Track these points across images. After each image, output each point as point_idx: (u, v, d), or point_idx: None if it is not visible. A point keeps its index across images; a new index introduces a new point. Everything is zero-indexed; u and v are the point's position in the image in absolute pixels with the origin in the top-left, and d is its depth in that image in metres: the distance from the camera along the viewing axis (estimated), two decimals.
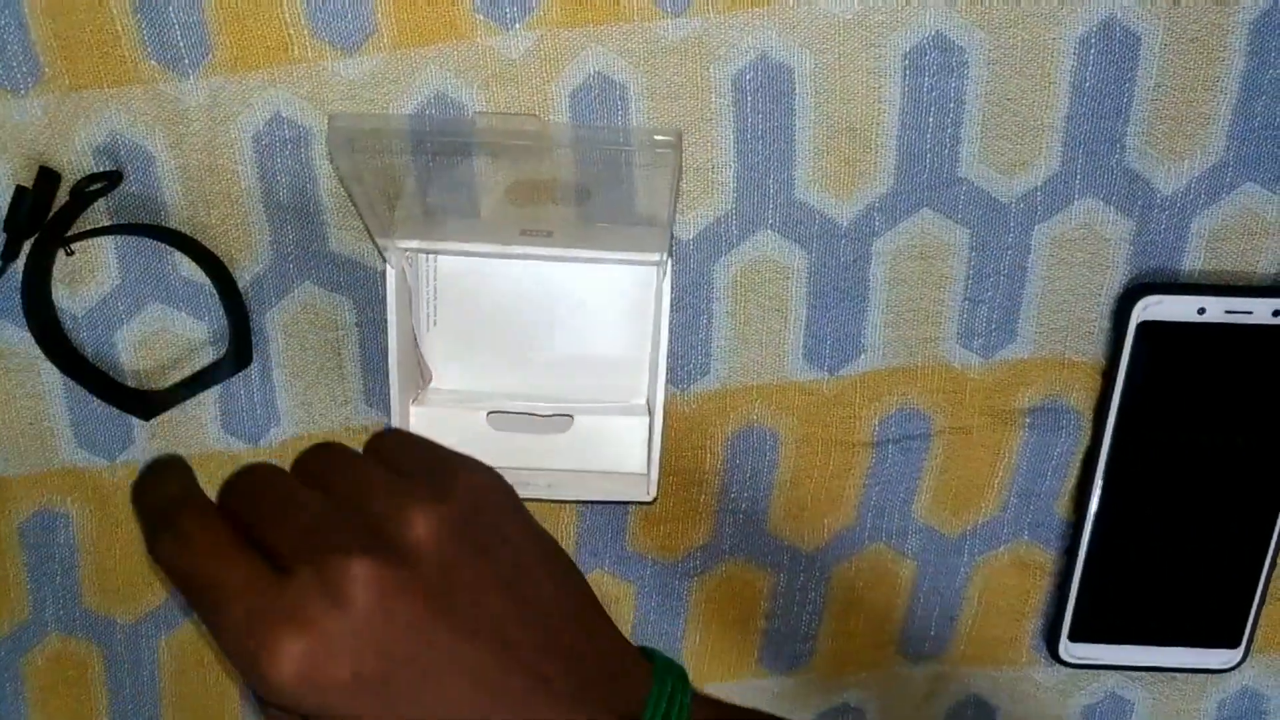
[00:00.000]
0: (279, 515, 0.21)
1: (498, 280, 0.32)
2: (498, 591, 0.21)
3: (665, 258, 0.30)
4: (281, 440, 0.35)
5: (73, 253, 0.32)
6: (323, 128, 0.31)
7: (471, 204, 0.32)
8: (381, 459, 0.23)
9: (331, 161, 0.27)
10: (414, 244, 0.31)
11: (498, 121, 0.30)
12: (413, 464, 0.22)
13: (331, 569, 0.19)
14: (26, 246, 0.31)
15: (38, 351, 0.33)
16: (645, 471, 0.32)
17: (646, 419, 0.32)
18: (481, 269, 0.32)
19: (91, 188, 0.31)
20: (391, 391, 0.31)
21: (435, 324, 0.33)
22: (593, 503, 0.35)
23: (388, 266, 0.31)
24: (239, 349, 0.33)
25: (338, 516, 0.21)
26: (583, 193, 0.32)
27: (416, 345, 0.33)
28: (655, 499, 0.32)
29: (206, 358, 0.34)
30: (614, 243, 0.31)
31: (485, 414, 0.32)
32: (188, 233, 0.32)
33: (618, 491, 0.32)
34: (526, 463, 0.32)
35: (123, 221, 0.32)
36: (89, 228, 0.32)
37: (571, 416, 0.32)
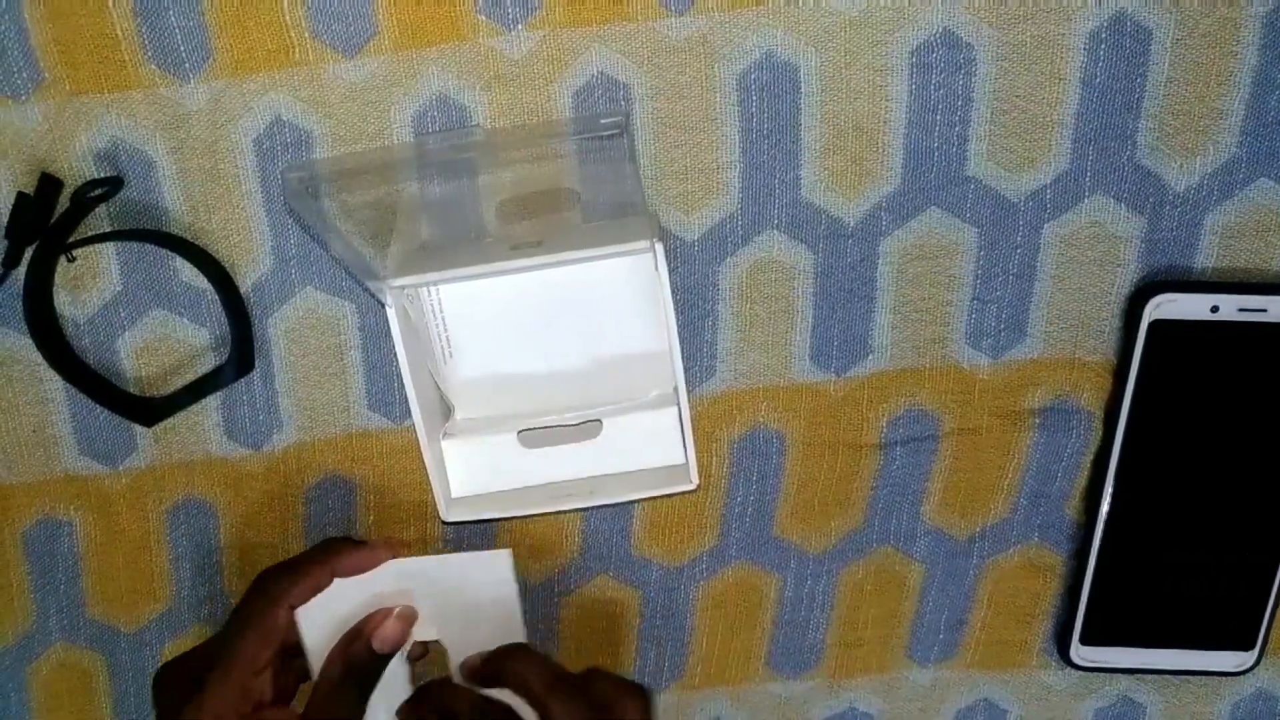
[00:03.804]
0: None
1: (503, 300, 0.32)
2: None
3: (654, 243, 0.30)
4: (284, 446, 0.35)
5: (74, 259, 0.32)
6: (324, 132, 0.31)
7: (459, 229, 0.32)
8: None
9: (294, 216, 0.27)
10: (408, 280, 0.31)
11: (441, 139, 0.30)
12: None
13: None
14: (28, 253, 0.31)
15: (40, 359, 0.33)
16: (683, 461, 0.32)
17: (674, 409, 0.31)
18: (485, 293, 0.32)
19: (92, 194, 0.31)
20: (418, 430, 0.31)
21: (451, 355, 0.32)
22: (637, 501, 0.34)
23: (388, 308, 0.30)
24: (241, 355, 0.33)
25: None
26: (570, 195, 0.31)
27: (434, 380, 0.33)
28: (698, 485, 0.32)
29: (208, 363, 0.33)
30: (603, 238, 0.30)
31: (515, 434, 0.32)
32: (189, 238, 0.32)
33: (660, 485, 0.32)
34: (564, 474, 0.32)
35: (124, 227, 0.32)
36: (90, 234, 0.32)
37: (600, 421, 0.32)
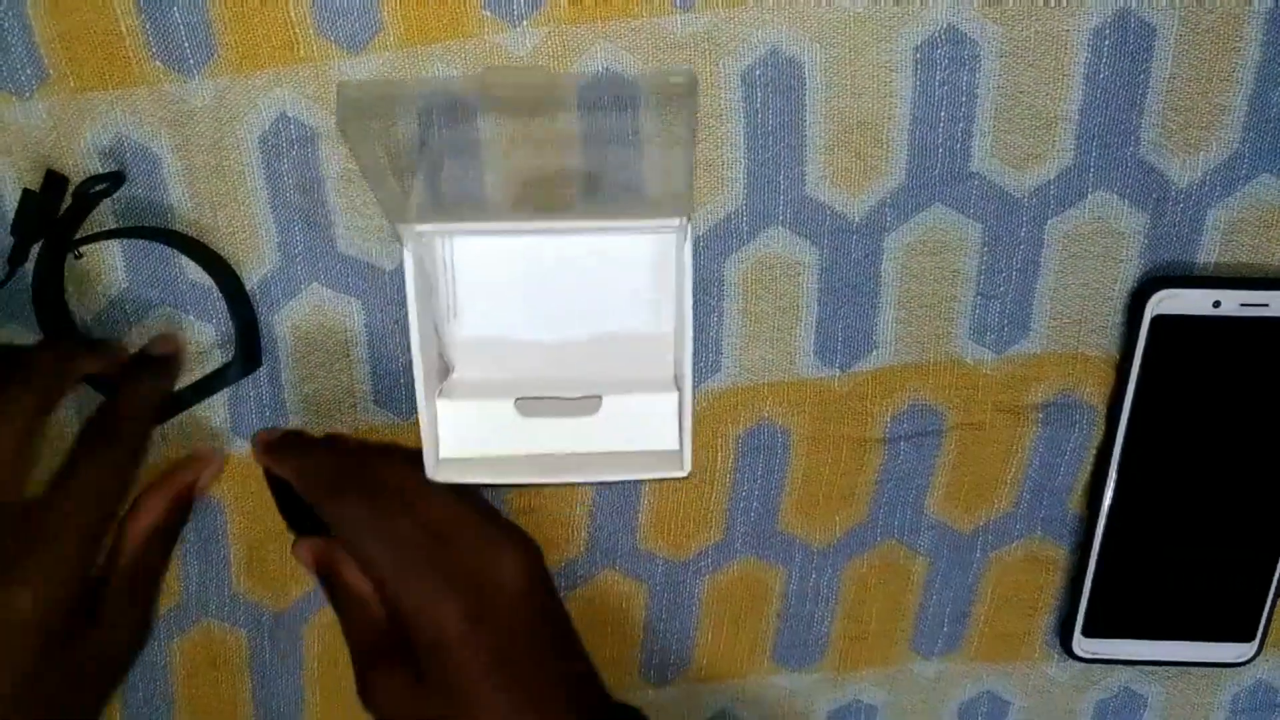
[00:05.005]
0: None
1: (516, 265, 0.31)
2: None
3: (686, 222, 0.29)
4: None
5: (81, 256, 0.32)
6: (329, 128, 0.31)
7: (486, 181, 0.31)
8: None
9: (342, 132, 0.27)
10: (430, 227, 0.30)
11: (506, 75, 0.29)
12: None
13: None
14: (34, 251, 0.31)
15: None
16: (678, 447, 0.31)
17: (675, 394, 0.31)
18: (499, 255, 0.31)
19: (94, 190, 0.31)
20: (416, 385, 0.31)
21: (456, 314, 0.32)
22: (626, 482, 0.34)
23: (405, 252, 0.30)
24: (247, 352, 0.33)
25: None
26: (597, 159, 0.31)
27: (438, 337, 0.32)
28: (690, 473, 0.31)
29: (215, 361, 0.33)
30: (633, 210, 0.30)
31: (513, 401, 0.31)
32: (194, 235, 0.32)
33: (651, 469, 0.31)
34: (557, 447, 0.31)
35: (130, 224, 0.32)
36: (96, 231, 0.32)
37: (600, 398, 0.31)
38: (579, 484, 0.35)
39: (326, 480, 0.31)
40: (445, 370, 0.33)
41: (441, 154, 0.31)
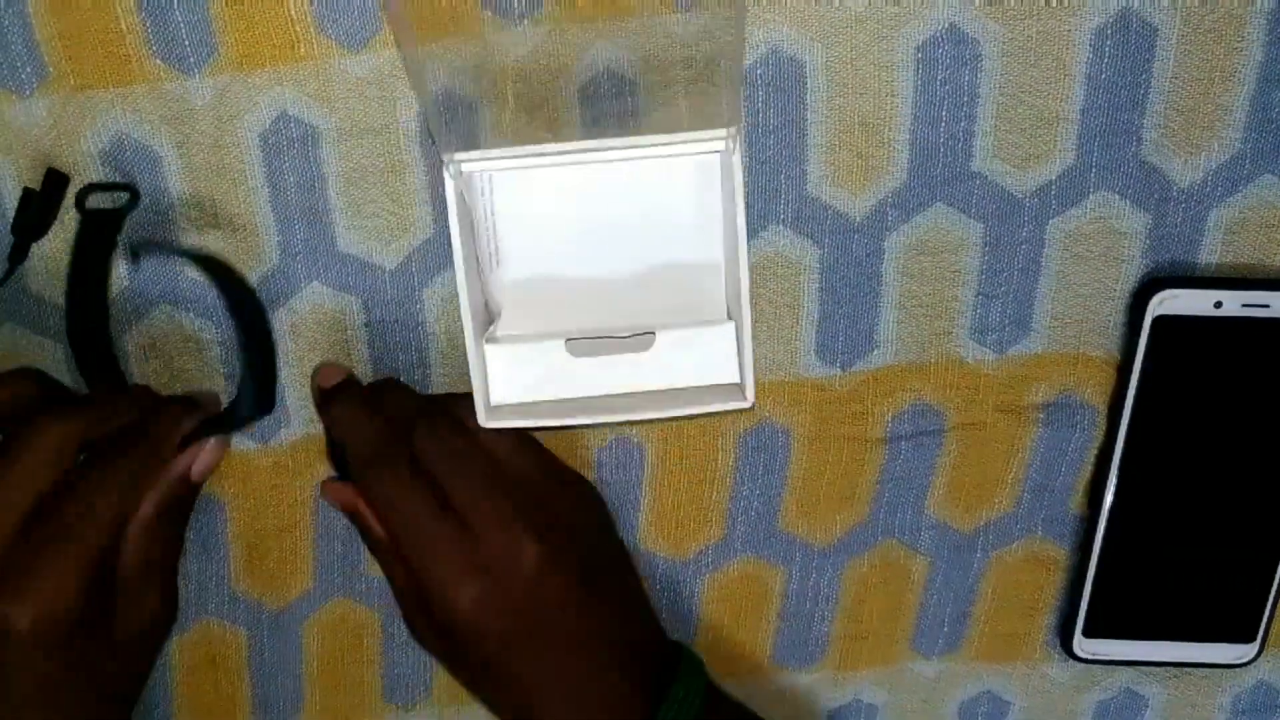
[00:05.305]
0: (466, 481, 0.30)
1: (556, 201, 0.30)
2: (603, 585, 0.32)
3: (736, 132, 0.27)
4: (291, 440, 0.35)
5: (138, 260, 0.32)
6: (330, 127, 0.31)
7: (512, 105, 0.30)
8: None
9: (407, 68, 0.26)
10: (473, 155, 0.29)
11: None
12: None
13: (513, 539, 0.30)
14: (35, 250, 0.31)
15: (49, 356, 0.33)
16: (738, 379, 0.30)
17: (732, 324, 0.30)
18: (539, 191, 0.30)
19: (111, 205, 0.30)
20: (465, 329, 0.29)
21: (499, 257, 0.31)
22: (687, 417, 0.33)
23: (448, 181, 0.28)
24: (262, 395, 0.32)
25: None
26: (633, 67, 0.30)
27: (482, 282, 0.31)
28: (754, 405, 0.30)
29: (215, 357, 0.33)
30: (676, 122, 0.28)
31: (563, 342, 0.30)
32: (195, 232, 0.32)
33: (711, 403, 0.30)
34: (611, 387, 0.30)
35: (132, 224, 0.32)
36: (150, 240, 0.31)
37: (653, 333, 0.30)
38: (636, 423, 0.33)
39: (364, 455, 0.31)
40: (491, 318, 0.31)
41: (477, 81, 0.30)
